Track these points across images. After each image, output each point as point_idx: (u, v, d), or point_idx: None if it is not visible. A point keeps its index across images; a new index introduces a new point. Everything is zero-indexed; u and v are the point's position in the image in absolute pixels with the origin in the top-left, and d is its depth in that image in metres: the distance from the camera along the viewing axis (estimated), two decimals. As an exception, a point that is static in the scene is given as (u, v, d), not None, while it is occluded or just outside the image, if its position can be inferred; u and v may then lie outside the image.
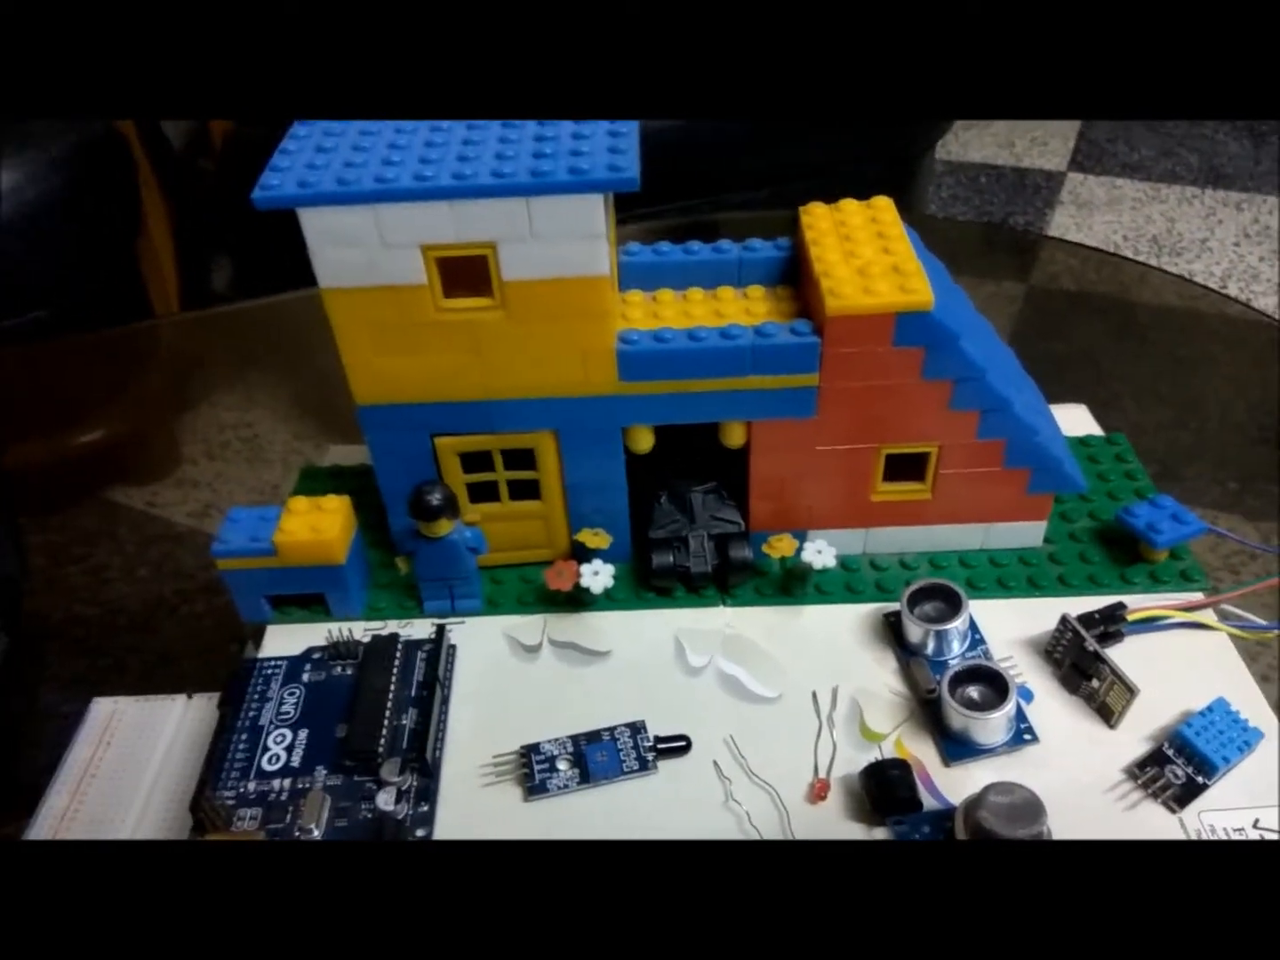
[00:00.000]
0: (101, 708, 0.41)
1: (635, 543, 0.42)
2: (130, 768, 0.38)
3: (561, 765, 0.35)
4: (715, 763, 0.35)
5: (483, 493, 0.40)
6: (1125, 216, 1.73)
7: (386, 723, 0.35)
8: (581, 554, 0.41)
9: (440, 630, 0.38)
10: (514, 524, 0.41)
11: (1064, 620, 0.37)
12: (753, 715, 0.37)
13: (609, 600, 0.41)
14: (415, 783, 0.34)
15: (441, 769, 0.35)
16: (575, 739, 0.35)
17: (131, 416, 0.94)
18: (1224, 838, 0.32)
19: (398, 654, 0.37)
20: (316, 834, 0.32)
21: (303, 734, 0.36)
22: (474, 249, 0.33)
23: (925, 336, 0.35)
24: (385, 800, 0.33)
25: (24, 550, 0.59)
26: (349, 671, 0.38)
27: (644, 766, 0.35)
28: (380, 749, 0.34)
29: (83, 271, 1.07)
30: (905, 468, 0.40)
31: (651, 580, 0.41)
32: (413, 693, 0.37)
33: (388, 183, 0.31)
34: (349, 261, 0.33)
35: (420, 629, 0.40)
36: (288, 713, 0.37)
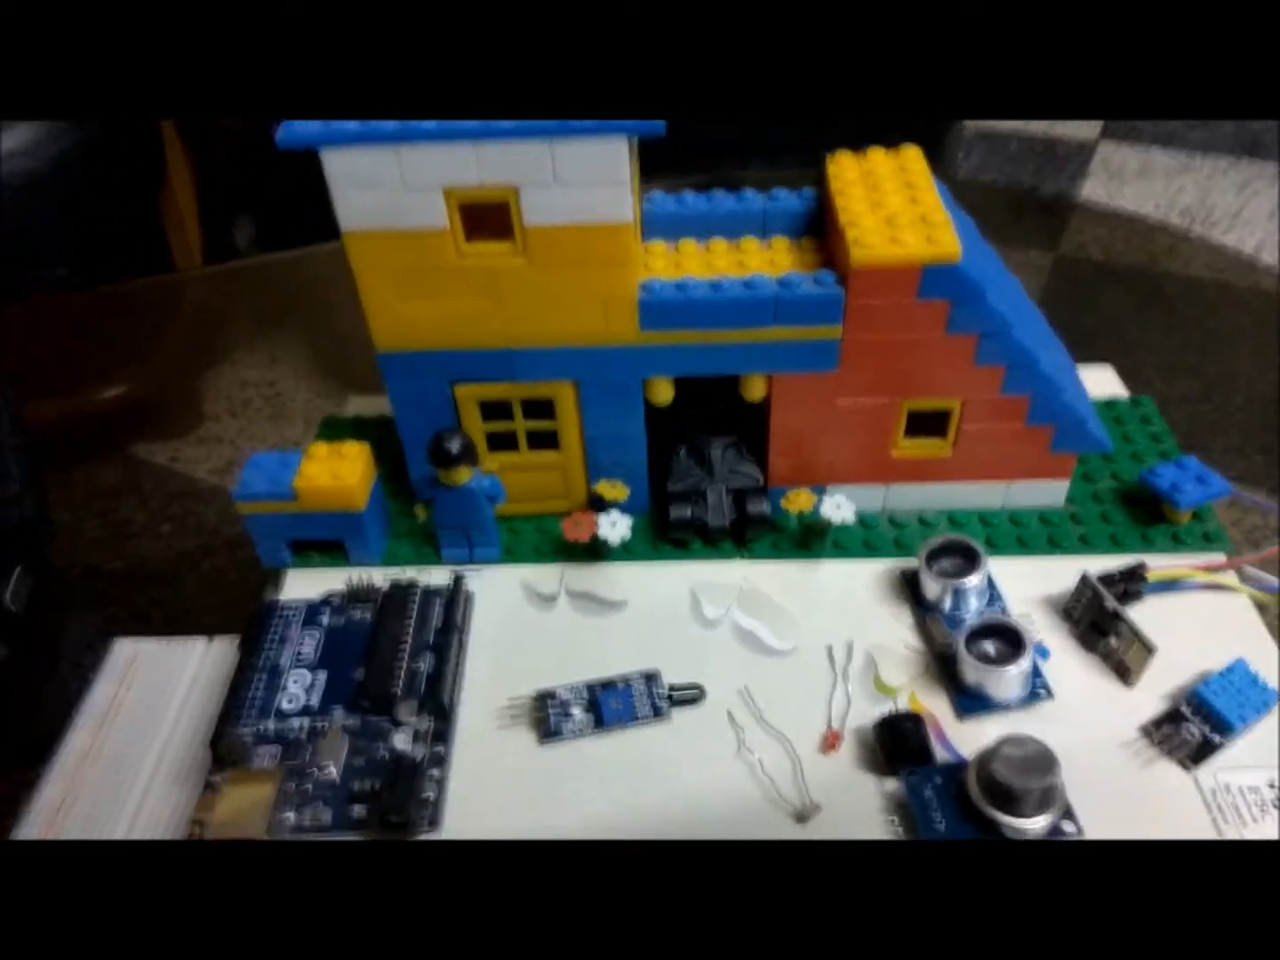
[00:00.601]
0: (123, 649, 0.41)
1: (653, 495, 0.42)
2: (152, 707, 0.39)
3: (575, 711, 0.35)
4: (729, 713, 0.35)
5: (501, 442, 0.40)
6: (1158, 186, 1.70)
7: (403, 666, 0.35)
8: (599, 505, 0.41)
9: (458, 579, 0.39)
10: (532, 474, 0.41)
11: (1084, 578, 0.37)
12: (767, 668, 0.37)
13: (626, 552, 0.41)
14: (431, 724, 0.34)
15: (458, 713, 0.35)
16: (590, 686, 0.36)
17: (154, 373, 0.95)
18: (1238, 796, 0.32)
19: (415, 600, 0.38)
20: (334, 771, 0.33)
21: (321, 675, 0.36)
22: (496, 193, 0.33)
23: (951, 289, 0.35)
24: (401, 740, 0.34)
25: (46, 498, 0.59)
26: (367, 616, 0.38)
27: (657, 714, 0.35)
28: (397, 691, 0.35)
29: (105, 227, 1.07)
30: (926, 423, 0.39)
31: (669, 533, 0.41)
32: (430, 639, 0.37)
33: (411, 123, 0.31)
34: (371, 204, 0.33)
35: (438, 577, 0.40)
36: (306, 655, 0.37)
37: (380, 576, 0.40)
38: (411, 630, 0.37)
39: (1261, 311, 0.86)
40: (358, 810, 0.32)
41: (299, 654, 0.37)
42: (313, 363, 1.00)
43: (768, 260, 0.38)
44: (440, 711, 0.35)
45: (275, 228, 1.17)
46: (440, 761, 0.34)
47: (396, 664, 0.36)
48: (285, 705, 0.35)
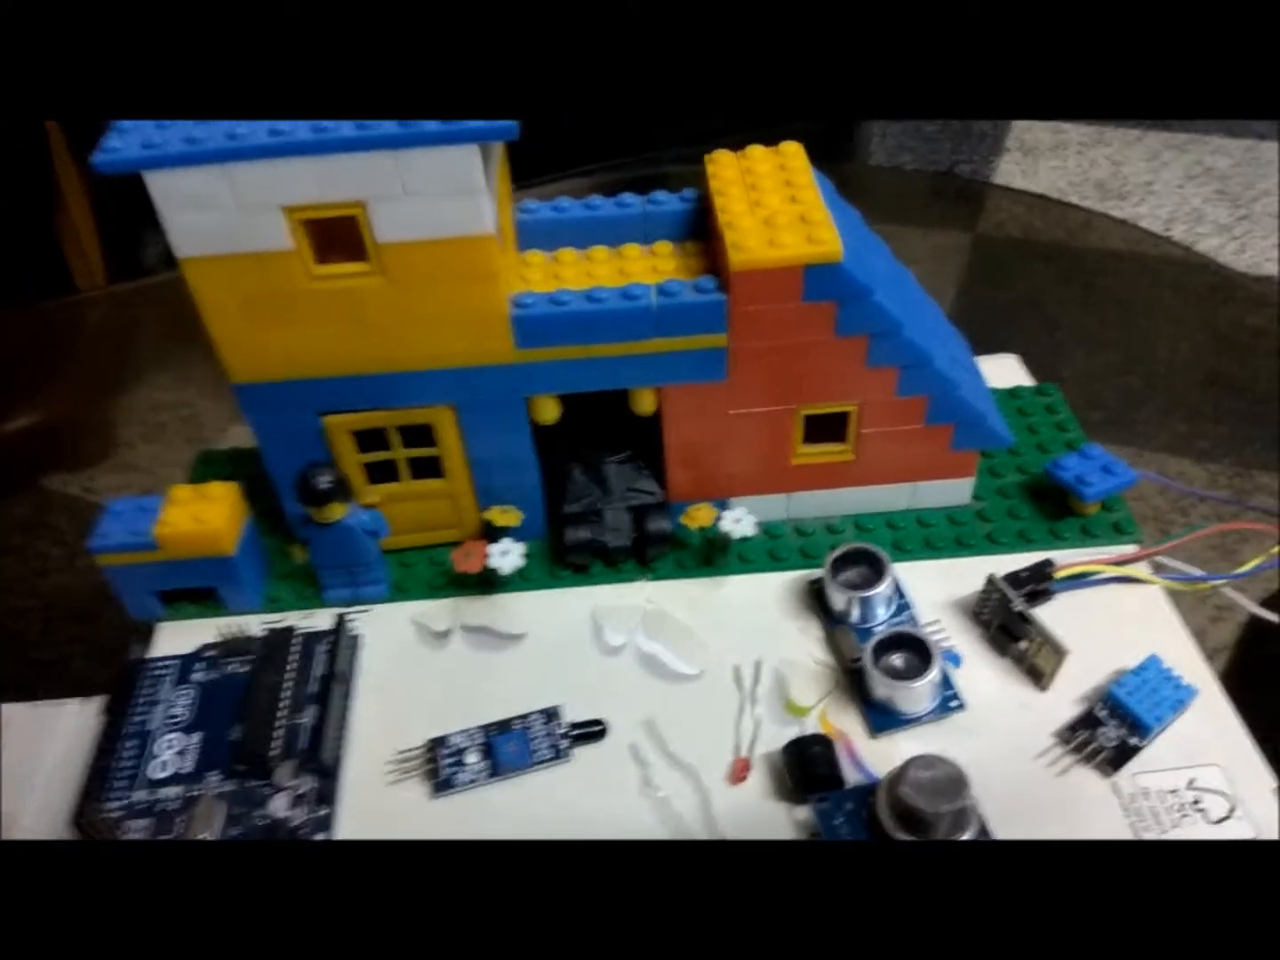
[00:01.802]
0: (-9, 714, 0.38)
1: (549, 518, 0.40)
2: (15, 780, 0.36)
3: (471, 758, 0.33)
4: (633, 746, 0.33)
5: (382, 472, 0.38)
6: (1071, 162, 1.72)
7: (282, 722, 0.33)
8: (493, 533, 0.39)
9: (340, 621, 0.36)
10: (418, 504, 0.39)
11: (990, 581, 0.36)
12: (673, 694, 0.35)
13: (523, 580, 0.39)
14: (313, 785, 0.32)
15: (344, 769, 0.33)
16: (485, 729, 0.34)
17: (63, 400, 0.90)
18: (1157, 801, 0.31)
19: (296, 648, 0.35)
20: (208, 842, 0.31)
21: (195, 738, 0.34)
22: (341, 209, 0.30)
23: (836, 290, 0.33)
24: (279, 806, 0.31)
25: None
26: (245, 669, 0.36)
27: (557, 754, 0.33)
28: (273, 751, 0.32)
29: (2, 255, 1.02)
30: (825, 428, 0.38)
31: (567, 557, 0.39)
32: (313, 689, 0.34)
33: (240, 139, 0.29)
34: (206, 227, 0.30)
35: (324, 620, 0.38)
36: (179, 715, 0.34)
37: (259, 623, 0.37)
38: (291, 682, 0.34)
39: (1176, 281, 0.87)
40: None
41: (171, 715, 0.34)
42: (226, 381, 0.96)
43: (650, 267, 0.37)
44: (323, 770, 0.32)
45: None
46: (325, 825, 0.31)
47: (274, 721, 0.33)
48: (155, 773, 0.33)
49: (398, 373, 0.35)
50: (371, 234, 0.31)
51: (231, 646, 0.36)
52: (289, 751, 0.32)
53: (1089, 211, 1.07)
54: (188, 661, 0.36)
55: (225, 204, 0.30)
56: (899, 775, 0.29)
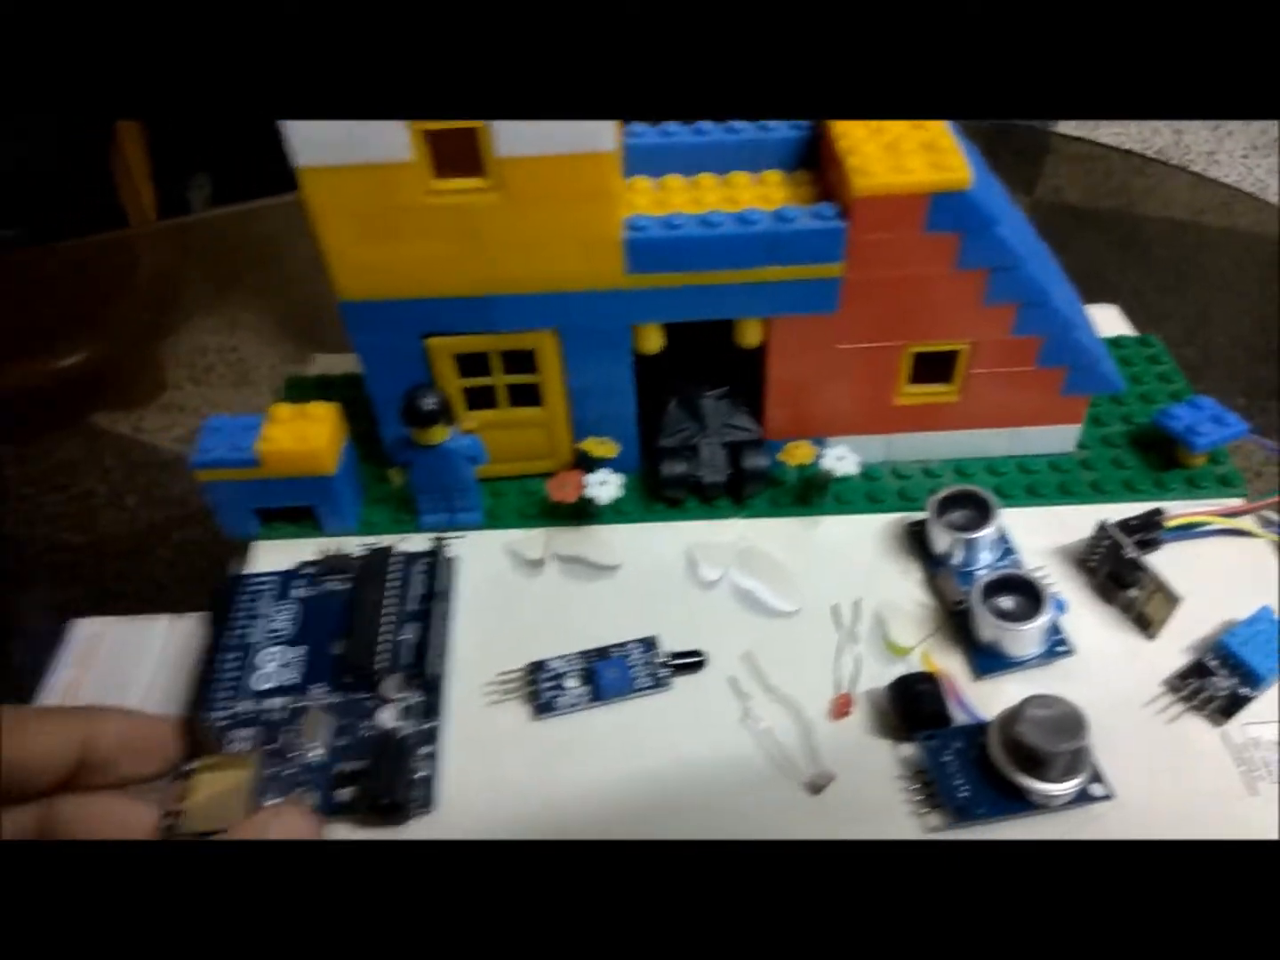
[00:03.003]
0: (82, 629, 0.39)
1: (643, 452, 0.40)
2: (114, 691, 0.36)
3: (570, 683, 0.33)
4: (732, 679, 0.33)
5: (480, 399, 0.38)
6: (1132, 129, 1.67)
7: (385, 638, 0.33)
8: (586, 464, 0.38)
9: (438, 542, 0.36)
10: (514, 432, 0.38)
11: (1101, 527, 0.35)
12: (770, 630, 0.35)
13: (616, 513, 0.38)
14: (419, 699, 0.32)
15: (447, 686, 0.33)
16: (584, 655, 0.33)
17: (113, 340, 0.91)
18: (1268, 751, 0.31)
19: (394, 567, 0.35)
20: (320, 752, 0.31)
21: (298, 651, 0.34)
22: (465, 121, 0.30)
23: (961, 220, 0.32)
24: (387, 717, 0.32)
25: (2, 470, 0.56)
26: (344, 587, 0.36)
27: (657, 683, 0.33)
28: (379, 664, 0.32)
29: (54, 187, 1.02)
30: (932, 368, 0.37)
31: (661, 491, 0.38)
32: (413, 607, 0.35)
33: (368, 43, 0.28)
34: (327, 136, 0.30)
35: (417, 544, 0.38)
36: (281, 629, 0.34)
37: (355, 545, 0.37)
38: (392, 599, 0.34)
39: (1239, 252, 0.85)
40: (345, 793, 0.30)
41: (272, 629, 0.35)
42: (275, 325, 0.97)
43: (760, 195, 0.36)
44: (429, 684, 0.32)
45: (231, 185, 1.12)
46: (431, 738, 0.31)
47: (378, 635, 0.33)
48: (260, 685, 0.33)
49: (504, 295, 0.34)
50: (492, 148, 0.30)
51: (330, 564, 0.36)
52: (394, 665, 0.33)
53: (1150, 178, 1.04)
54: (287, 577, 0.36)
55: (351, 110, 0.29)
56: (1015, 714, 0.29)
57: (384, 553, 0.36)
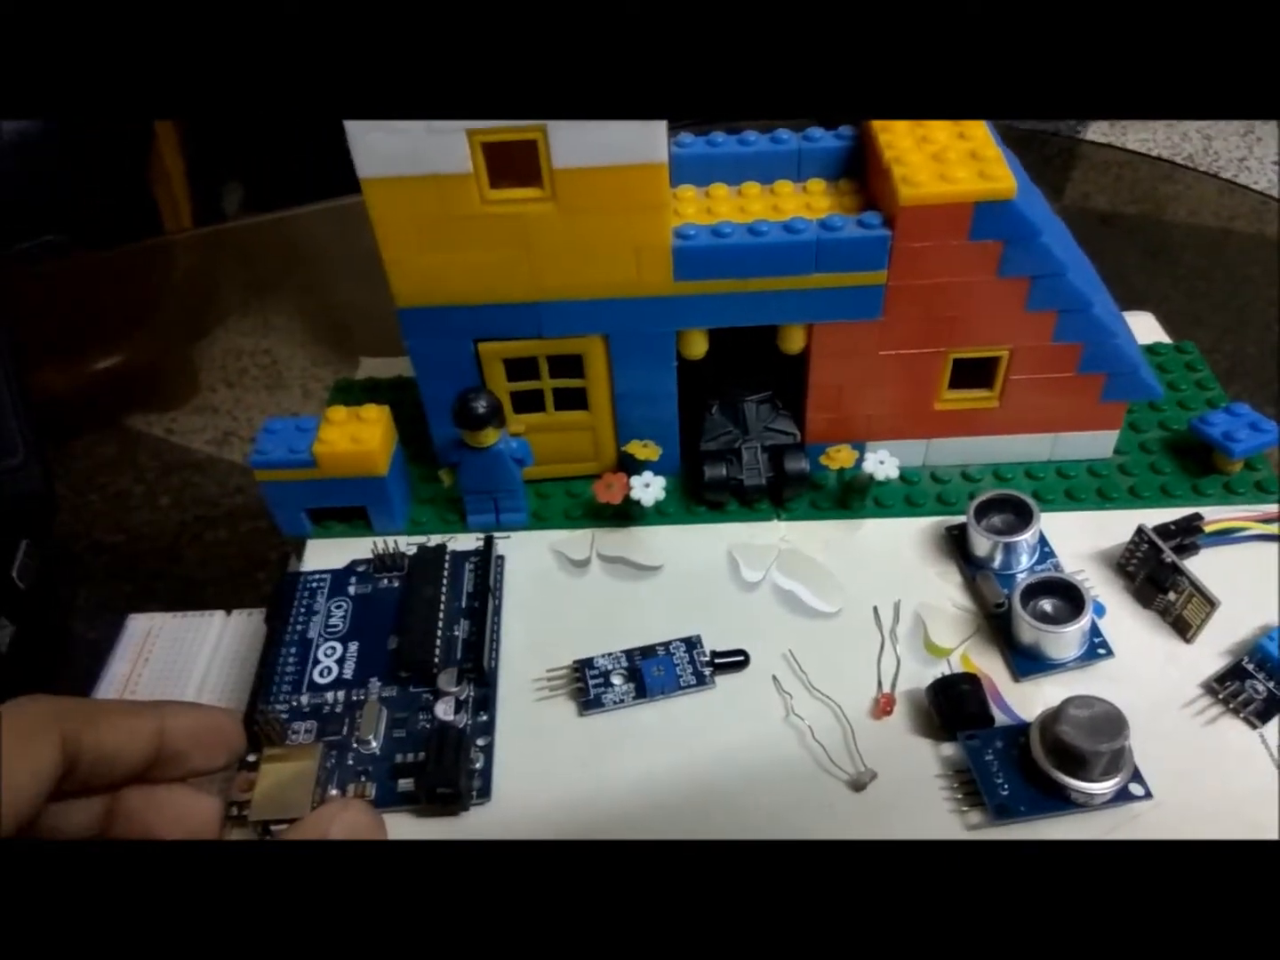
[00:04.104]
0: (138, 624, 0.40)
1: (685, 455, 0.40)
2: (170, 684, 0.38)
3: (616, 680, 0.33)
4: (774, 677, 0.34)
5: (527, 402, 0.39)
6: (1160, 135, 1.67)
7: (440, 633, 0.34)
8: (629, 467, 0.39)
9: (489, 539, 0.37)
10: (559, 435, 0.39)
11: (1140, 531, 0.35)
12: (811, 631, 0.35)
13: (658, 514, 0.39)
14: (473, 692, 0.33)
15: (497, 682, 0.34)
16: (629, 654, 0.34)
17: (149, 342, 0.93)
18: (1307, 754, 0.31)
19: (446, 564, 0.36)
20: (375, 745, 0.32)
21: (353, 646, 0.35)
22: (524, 133, 0.31)
23: (1005, 229, 0.33)
24: (445, 710, 0.32)
25: (51, 468, 0.57)
26: (395, 584, 0.37)
27: (701, 681, 0.33)
28: (436, 658, 0.33)
29: (93, 194, 1.04)
30: (972, 374, 0.38)
31: (703, 494, 0.39)
32: (463, 604, 0.35)
33: (432, 58, 0.29)
34: (391, 149, 0.31)
35: (465, 543, 0.39)
36: (336, 626, 0.35)
37: (405, 543, 0.38)
38: (444, 595, 0.35)
39: (1269, 259, 0.84)
40: (403, 784, 0.31)
41: (329, 625, 0.36)
42: (307, 331, 0.98)
43: (804, 204, 0.36)
44: (482, 678, 0.33)
45: (263, 192, 1.14)
46: (486, 730, 0.32)
47: (433, 630, 0.34)
48: (318, 678, 0.34)
49: (555, 301, 0.35)
50: (549, 159, 0.31)
51: (382, 562, 0.37)
52: (449, 660, 0.34)
53: (1178, 184, 1.04)
54: (340, 575, 0.37)
55: (414, 126, 0.30)
56: (1056, 714, 0.30)
57: (439, 550, 0.36)
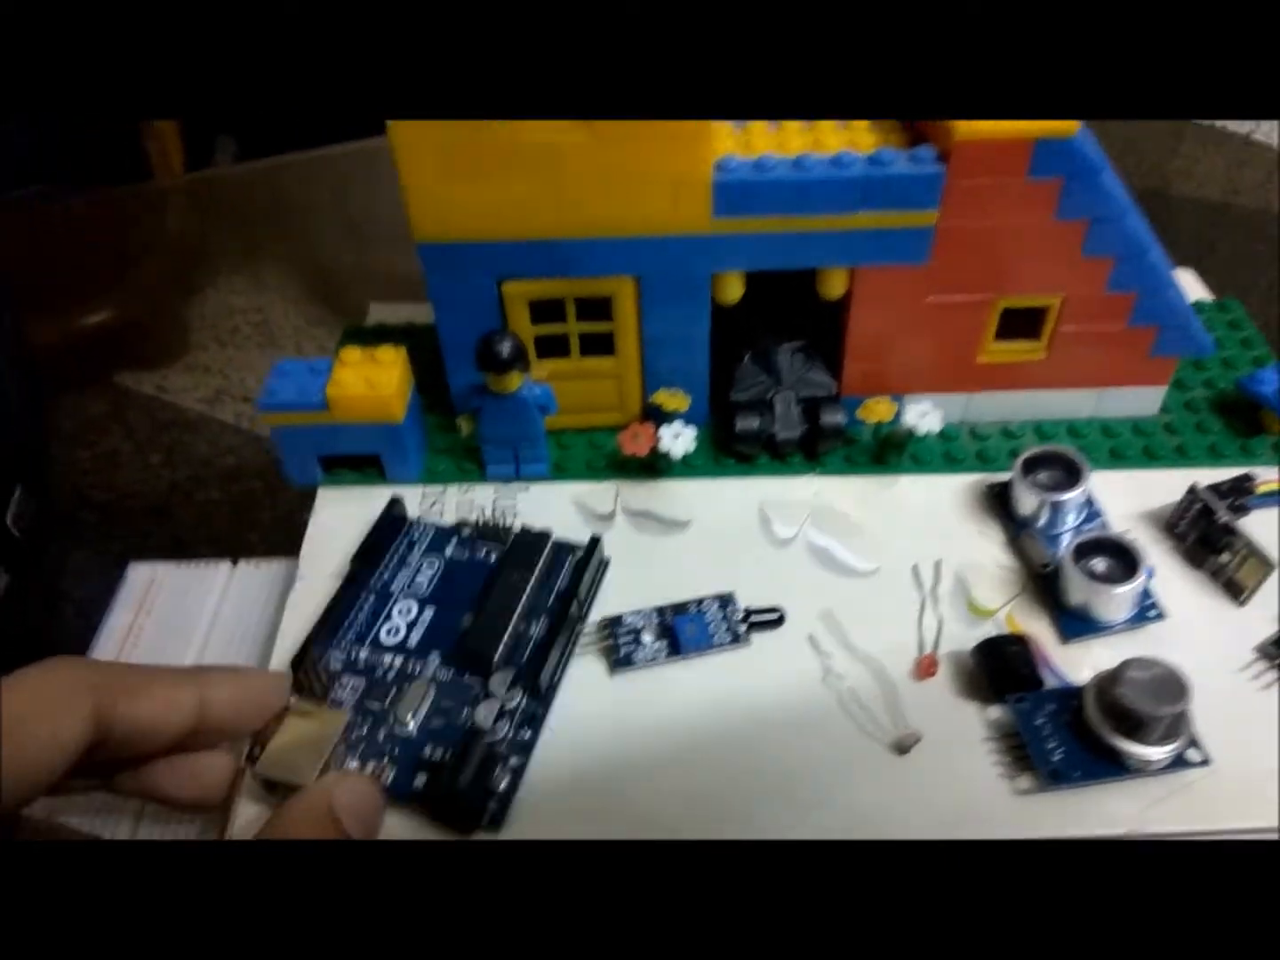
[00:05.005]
0: (139, 574, 0.38)
1: (713, 406, 0.39)
2: (173, 635, 0.36)
3: (647, 637, 0.32)
4: (810, 637, 0.32)
5: (551, 347, 0.37)
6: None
7: (511, 626, 0.31)
8: (655, 417, 0.37)
9: (595, 540, 0.33)
10: (584, 383, 0.37)
11: (1192, 490, 0.34)
12: (848, 589, 0.34)
13: (685, 467, 0.37)
14: (523, 704, 0.30)
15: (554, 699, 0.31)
16: (660, 610, 0.33)
17: (139, 298, 0.90)
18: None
19: (547, 554, 0.33)
20: (411, 727, 0.29)
21: (428, 613, 0.32)
22: (561, 50, 0.29)
23: (1065, 166, 0.31)
24: (485, 714, 0.29)
25: (45, 418, 0.55)
26: (492, 557, 0.34)
27: (736, 639, 0.32)
28: (498, 654, 0.30)
29: (82, 142, 1.01)
30: (1018, 324, 0.36)
31: (733, 446, 0.38)
32: (549, 602, 0.33)
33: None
34: (416, 64, 0.29)
35: (482, 495, 0.37)
36: (420, 585, 0.33)
37: (418, 494, 0.36)
38: (531, 586, 0.32)
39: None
40: (420, 780, 0.28)
41: (413, 582, 0.33)
42: (300, 288, 0.96)
43: (847, 141, 0.34)
44: (537, 692, 0.30)
45: (255, 140, 1.11)
46: (523, 750, 0.29)
47: (505, 622, 0.31)
48: (384, 636, 0.32)
49: (585, 239, 0.33)
50: (586, 79, 0.29)
51: (487, 530, 0.34)
52: (510, 659, 0.31)
53: (1187, 158, 1.02)
54: (445, 533, 0.35)
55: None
56: (1114, 676, 0.28)
57: (542, 537, 0.34)
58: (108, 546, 0.66)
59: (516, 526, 0.35)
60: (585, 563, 0.33)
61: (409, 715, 0.29)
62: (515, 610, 0.31)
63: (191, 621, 0.36)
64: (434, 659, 0.31)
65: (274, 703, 0.28)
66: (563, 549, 0.34)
